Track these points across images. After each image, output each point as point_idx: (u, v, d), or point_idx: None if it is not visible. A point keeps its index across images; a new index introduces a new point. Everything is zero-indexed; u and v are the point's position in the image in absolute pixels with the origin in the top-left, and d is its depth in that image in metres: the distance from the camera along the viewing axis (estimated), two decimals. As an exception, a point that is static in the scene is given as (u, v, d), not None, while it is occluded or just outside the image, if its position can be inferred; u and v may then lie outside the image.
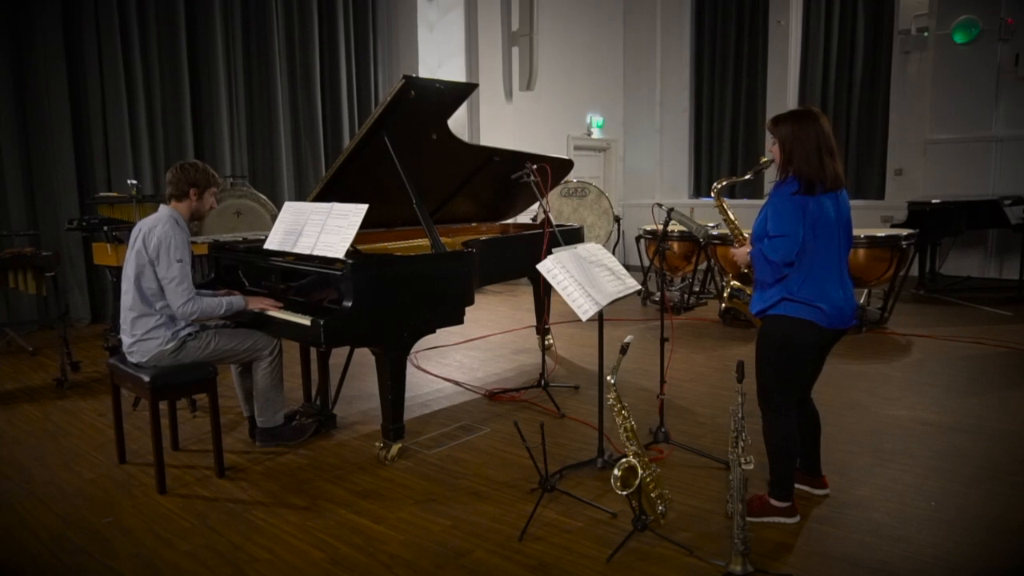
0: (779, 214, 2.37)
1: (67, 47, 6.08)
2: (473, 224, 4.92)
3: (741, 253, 2.59)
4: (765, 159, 2.62)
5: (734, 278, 2.79)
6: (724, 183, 2.78)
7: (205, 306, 2.99)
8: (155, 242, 2.92)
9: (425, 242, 3.69)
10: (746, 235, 2.67)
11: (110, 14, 6.18)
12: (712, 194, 2.80)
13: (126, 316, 3.01)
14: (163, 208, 3.08)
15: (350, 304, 2.92)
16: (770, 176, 2.59)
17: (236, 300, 3.11)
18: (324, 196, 3.52)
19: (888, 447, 3.25)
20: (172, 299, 2.93)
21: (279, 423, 3.33)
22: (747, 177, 2.82)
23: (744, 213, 2.88)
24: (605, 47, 10.54)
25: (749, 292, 2.66)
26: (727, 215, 2.78)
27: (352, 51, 8.11)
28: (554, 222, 3.72)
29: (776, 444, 2.52)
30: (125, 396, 3.41)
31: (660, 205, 3.52)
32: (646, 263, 7.21)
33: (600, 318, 2.93)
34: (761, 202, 2.51)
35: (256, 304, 3.17)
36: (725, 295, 2.77)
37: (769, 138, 2.51)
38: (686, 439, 3.34)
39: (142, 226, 3.02)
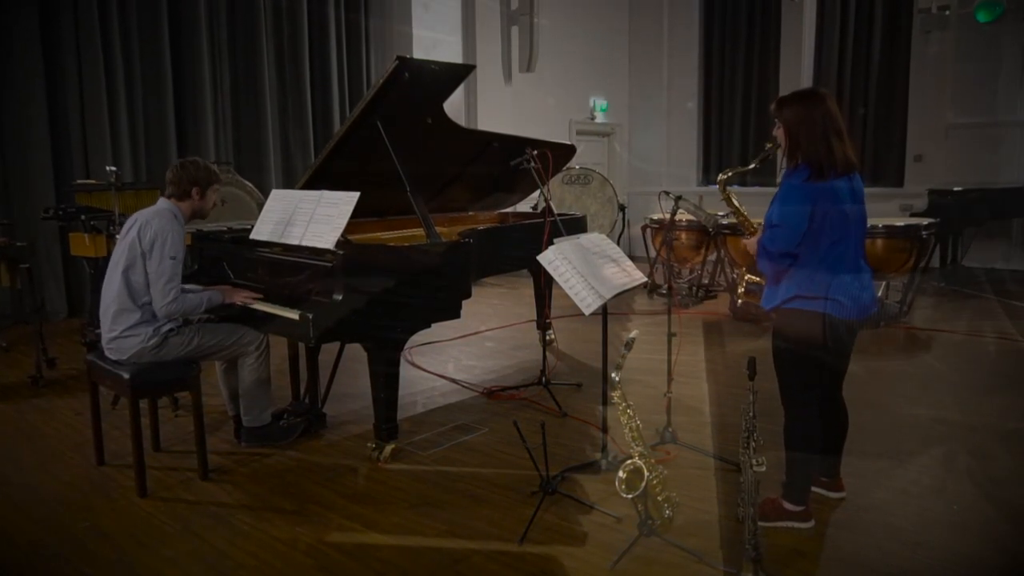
0: (784, 204, 2.33)
1: (42, 25, 5.89)
2: (470, 213, 4.87)
3: (753, 243, 2.51)
4: (770, 144, 2.55)
5: (747, 271, 2.74)
6: (730, 174, 2.71)
7: (187, 304, 2.96)
8: (151, 235, 2.89)
9: (420, 232, 3.65)
10: (756, 225, 2.62)
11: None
12: (717, 185, 2.73)
13: (107, 309, 2.94)
14: (162, 201, 3.04)
15: (340, 297, 2.88)
16: (780, 163, 2.52)
17: (214, 295, 3.07)
18: (313, 184, 3.49)
19: (907, 448, 3.21)
20: (157, 296, 2.88)
21: (266, 422, 3.28)
22: (753, 166, 2.74)
23: (755, 202, 2.80)
24: (609, 27, 10.40)
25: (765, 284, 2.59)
26: (735, 206, 2.71)
27: (343, 30, 7.93)
28: (555, 211, 3.66)
29: (795, 444, 2.47)
30: (104, 394, 3.34)
31: (667, 193, 3.46)
32: (652, 254, 7.15)
33: (604, 312, 2.89)
34: (772, 190, 2.45)
35: (237, 297, 3.12)
36: (741, 290, 2.72)
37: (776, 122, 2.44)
38: (694, 439, 3.30)
39: (138, 217, 2.98)
